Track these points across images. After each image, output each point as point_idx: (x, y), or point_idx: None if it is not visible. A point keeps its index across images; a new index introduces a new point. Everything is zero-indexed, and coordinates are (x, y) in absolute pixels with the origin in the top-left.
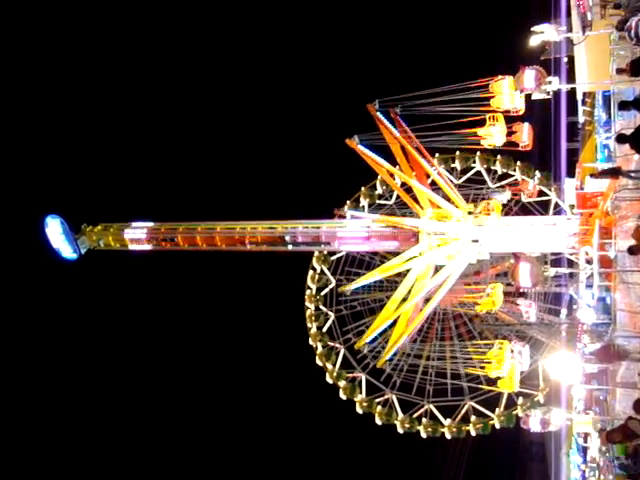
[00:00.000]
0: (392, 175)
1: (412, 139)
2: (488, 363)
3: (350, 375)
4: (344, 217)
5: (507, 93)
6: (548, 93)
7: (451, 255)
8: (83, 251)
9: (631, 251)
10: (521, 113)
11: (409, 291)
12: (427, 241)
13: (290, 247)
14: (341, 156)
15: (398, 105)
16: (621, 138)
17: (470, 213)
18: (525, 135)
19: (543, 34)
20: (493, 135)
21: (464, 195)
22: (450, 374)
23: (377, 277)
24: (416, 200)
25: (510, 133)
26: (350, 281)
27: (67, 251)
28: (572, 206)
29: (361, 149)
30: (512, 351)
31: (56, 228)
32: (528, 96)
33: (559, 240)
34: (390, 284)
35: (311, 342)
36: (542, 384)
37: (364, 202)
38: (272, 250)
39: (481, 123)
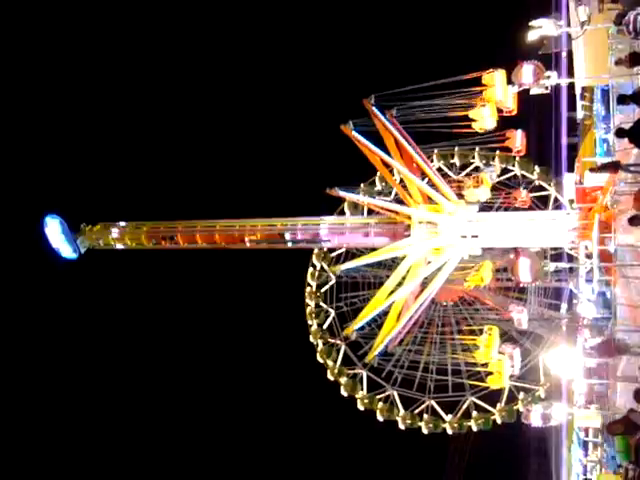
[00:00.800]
0: (388, 167)
1: (407, 137)
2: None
3: (351, 372)
4: (337, 197)
5: (500, 85)
6: (547, 88)
7: (441, 248)
8: (83, 250)
9: (632, 221)
10: (514, 113)
11: (400, 283)
12: (418, 232)
13: (290, 244)
14: (340, 153)
15: (394, 107)
16: (620, 132)
17: (460, 188)
18: (518, 141)
19: (541, 29)
20: (484, 117)
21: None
22: (451, 370)
23: (369, 260)
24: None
25: (504, 139)
26: (350, 277)
27: (67, 251)
28: (571, 201)
29: (356, 136)
30: (502, 353)
31: (55, 228)
32: (526, 92)
33: (559, 235)
34: None
35: (312, 339)
36: (543, 379)
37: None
38: (272, 247)
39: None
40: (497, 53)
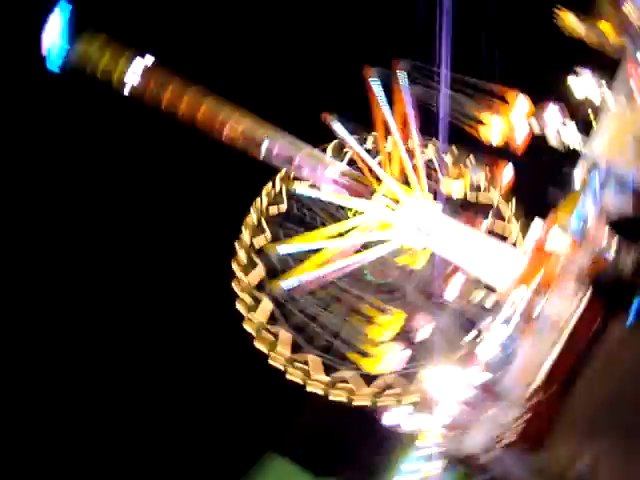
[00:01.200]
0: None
1: (414, 115)
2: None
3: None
4: (331, 125)
5: (518, 109)
6: (563, 144)
7: (390, 225)
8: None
9: None
10: (517, 150)
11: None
12: (380, 200)
13: (263, 155)
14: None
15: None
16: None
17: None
18: (505, 177)
19: (582, 81)
20: (493, 126)
21: None
22: (343, 338)
23: (324, 196)
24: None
25: (495, 167)
26: (300, 211)
27: (54, 59)
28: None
29: (372, 83)
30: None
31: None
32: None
33: (500, 273)
34: None
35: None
36: (416, 388)
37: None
38: (245, 150)
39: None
40: (534, 81)
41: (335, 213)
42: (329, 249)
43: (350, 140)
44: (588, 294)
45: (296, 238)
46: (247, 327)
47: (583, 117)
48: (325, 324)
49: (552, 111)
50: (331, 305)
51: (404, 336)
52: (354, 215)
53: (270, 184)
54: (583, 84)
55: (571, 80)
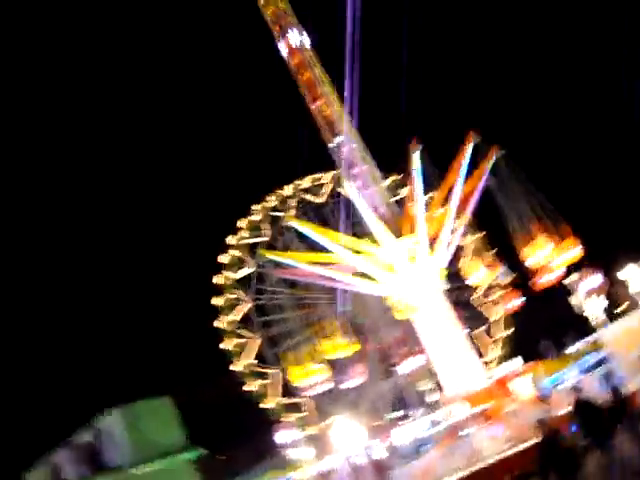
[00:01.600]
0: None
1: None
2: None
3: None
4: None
5: (567, 256)
6: (581, 309)
7: (393, 269)
8: None
9: None
10: (535, 285)
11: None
12: (404, 243)
13: (331, 145)
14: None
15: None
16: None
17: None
18: (513, 303)
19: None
20: (539, 250)
21: None
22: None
23: (362, 208)
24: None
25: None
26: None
27: None
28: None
29: (467, 148)
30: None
31: None
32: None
33: (456, 381)
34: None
35: None
36: (323, 425)
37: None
38: (319, 126)
39: None
40: (600, 244)
41: (361, 232)
42: (331, 255)
43: (417, 179)
44: (522, 447)
45: (311, 225)
46: (217, 280)
47: (617, 302)
48: (286, 318)
49: (595, 279)
50: (304, 307)
51: (337, 372)
52: (372, 243)
53: (319, 175)
54: (638, 278)
55: (631, 267)
